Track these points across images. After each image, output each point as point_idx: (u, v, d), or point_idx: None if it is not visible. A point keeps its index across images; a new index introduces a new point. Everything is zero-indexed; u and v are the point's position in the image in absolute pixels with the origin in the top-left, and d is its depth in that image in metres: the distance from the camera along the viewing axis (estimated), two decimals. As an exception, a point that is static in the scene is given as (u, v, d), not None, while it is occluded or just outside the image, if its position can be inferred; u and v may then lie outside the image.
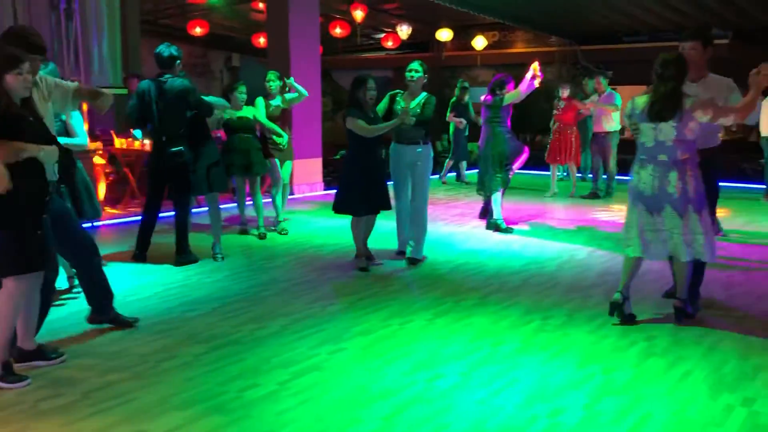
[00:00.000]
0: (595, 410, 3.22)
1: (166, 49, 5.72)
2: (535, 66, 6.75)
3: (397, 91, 6.03)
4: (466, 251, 6.62)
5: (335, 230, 7.34)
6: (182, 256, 5.96)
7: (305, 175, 10.51)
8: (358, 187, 5.65)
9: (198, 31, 13.91)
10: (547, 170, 11.07)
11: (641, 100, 4.30)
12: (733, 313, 4.72)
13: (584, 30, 14.51)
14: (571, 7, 12.13)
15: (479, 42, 16.30)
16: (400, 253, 6.22)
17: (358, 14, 13.10)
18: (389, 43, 15.63)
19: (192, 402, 3.29)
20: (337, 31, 13.92)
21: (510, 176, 7.40)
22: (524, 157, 7.44)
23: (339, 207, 5.78)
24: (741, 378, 3.60)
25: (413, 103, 5.82)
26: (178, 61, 5.76)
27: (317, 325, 4.41)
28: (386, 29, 16.42)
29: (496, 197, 7.42)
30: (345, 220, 6.13)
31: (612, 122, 9.90)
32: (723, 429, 3.06)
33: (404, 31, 15.01)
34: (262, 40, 13.86)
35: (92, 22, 9.17)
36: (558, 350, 4.01)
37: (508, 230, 7.40)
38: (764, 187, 10.14)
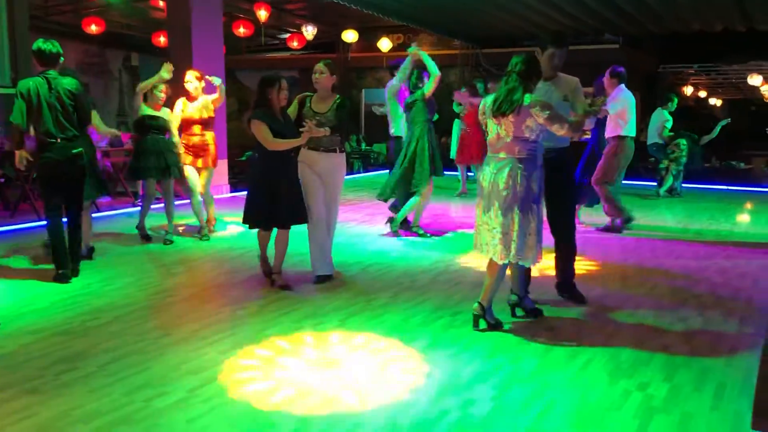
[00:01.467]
0: (503, 400, 3.33)
1: (51, 45, 5.30)
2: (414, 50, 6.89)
3: (306, 93, 5.57)
4: (375, 251, 6.68)
5: (242, 233, 7.22)
6: (77, 263, 5.65)
7: (210, 177, 10.26)
8: (262, 196, 5.16)
9: (94, 29, 13.33)
10: (453, 171, 11.33)
11: (491, 98, 4.33)
12: (628, 304, 4.99)
13: (485, 33, 14.91)
14: (471, 12, 12.43)
15: (384, 44, 16.46)
16: (321, 277, 5.50)
17: (262, 14, 12.93)
18: (294, 44, 15.52)
19: (96, 414, 3.15)
20: (241, 31, 13.69)
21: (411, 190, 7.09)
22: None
23: (245, 216, 5.30)
24: (636, 364, 3.82)
25: (328, 108, 5.36)
26: (62, 57, 5.45)
27: (227, 330, 4.34)
28: (291, 29, 16.30)
29: (405, 208, 7.19)
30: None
31: None
32: (621, 412, 3.24)
33: (309, 31, 14.95)
34: (162, 39, 13.45)
35: (-24, 17, 8.62)
36: (467, 344, 4.11)
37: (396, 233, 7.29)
38: (655, 184, 11.24)
